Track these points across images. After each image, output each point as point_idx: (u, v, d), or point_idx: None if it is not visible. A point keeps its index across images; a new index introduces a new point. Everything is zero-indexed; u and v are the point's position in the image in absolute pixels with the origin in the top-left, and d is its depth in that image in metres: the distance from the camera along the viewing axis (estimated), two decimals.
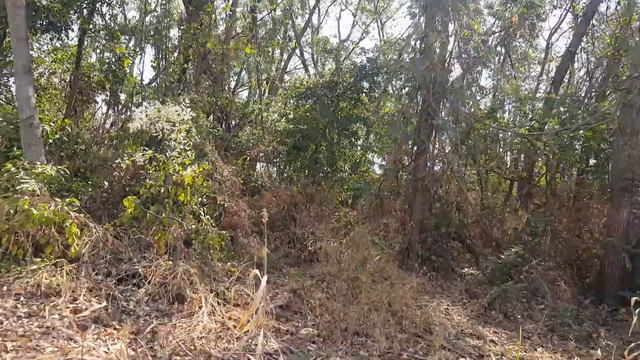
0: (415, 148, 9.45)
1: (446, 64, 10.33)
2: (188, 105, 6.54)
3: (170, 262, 6.40)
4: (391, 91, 12.21)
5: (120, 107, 11.01)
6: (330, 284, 7.18)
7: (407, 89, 9.44)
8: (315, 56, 18.22)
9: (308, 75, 15.38)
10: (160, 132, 6.70)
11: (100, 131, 9.60)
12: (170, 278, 5.91)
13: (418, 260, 8.39)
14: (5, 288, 5.18)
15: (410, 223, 8.64)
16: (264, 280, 4.81)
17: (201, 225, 7.24)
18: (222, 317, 5.63)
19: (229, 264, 7.58)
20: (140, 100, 9.83)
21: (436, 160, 9.40)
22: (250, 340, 4.91)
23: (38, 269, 5.52)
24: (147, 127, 6.19)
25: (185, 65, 9.74)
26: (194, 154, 6.74)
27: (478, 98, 13.72)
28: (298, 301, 6.38)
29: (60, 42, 11.45)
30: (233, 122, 11.76)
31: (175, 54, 10.16)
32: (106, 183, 7.95)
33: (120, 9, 12.29)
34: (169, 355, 4.48)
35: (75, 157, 8.25)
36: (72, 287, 5.43)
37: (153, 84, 13.18)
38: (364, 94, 12.08)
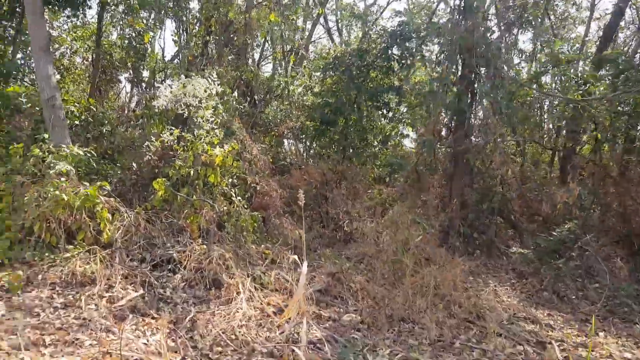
0: (454, 118, 8.87)
1: (486, 25, 9.58)
2: (216, 78, 6.14)
3: (204, 246, 6.18)
4: (425, 56, 11.45)
5: (143, 85, 10.71)
6: (368, 266, 6.87)
7: (445, 53, 8.76)
8: (340, 24, 17.43)
9: (334, 44, 14.69)
10: (185, 110, 6.37)
11: (125, 111, 9.35)
12: (206, 263, 5.69)
13: (460, 238, 7.96)
14: (40, 277, 5.05)
15: (451, 199, 8.17)
16: (304, 266, 4.51)
17: (233, 207, 6.97)
18: (261, 303, 5.39)
19: (262, 246, 7.33)
20: (163, 77, 9.49)
21: (477, 131, 8.80)
22: (292, 329, 4.64)
23: (71, 256, 5.36)
24: (172, 104, 5.84)
25: (208, 38, 9.31)
26: (222, 132, 6.39)
27: (517, 61, 12.87)
28: (337, 285, 6.09)
29: (80, 19, 11.14)
30: (258, 97, 11.32)
31: (197, 27, 9.72)
32: (134, 165, 7.74)
33: None
34: (209, 345, 4.26)
35: (101, 138, 8.07)
36: (107, 274, 5.26)
37: (175, 60, 12.86)
38: (395, 62, 11.38)
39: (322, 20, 16.64)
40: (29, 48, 11.66)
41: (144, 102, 9.94)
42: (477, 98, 9.37)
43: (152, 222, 6.42)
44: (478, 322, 5.34)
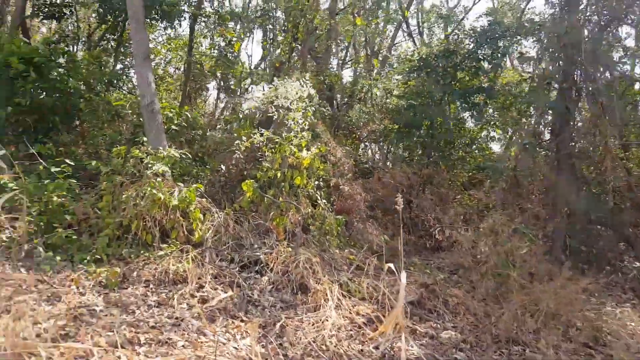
0: (557, 119, 8.01)
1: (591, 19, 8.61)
2: (308, 80, 6.03)
3: (290, 249, 6.05)
4: (517, 55, 10.60)
5: (230, 91, 11.04)
6: (464, 278, 6.32)
7: (547, 50, 7.97)
8: (421, 27, 16.89)
9: (417, 46, 14.18)
10: (275, 112, 6.32)
11: (215, 116, 9.64)
12: (293, 266, 5.53)
13: (566, 251, 7.11)
14: (135, 274, 5.18)
15: (554, 208, 7.35)
16: (403, 276, 4.17)
17: (318, 209, 6.80)
18: (350, 313, 5.11)
19: (346, 251, 7.08)
20: (249, 84, 9.68)
21: (583, 134, 7.87)
22: (387, 344, 4.30)
23: (165, 254, 5.48)
24: (263, 106, 5.80)
25: (293, 45, 9.35)
26: (310, 134, 6.26)
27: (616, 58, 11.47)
28: (432, 297, 5.64)
29: (174, 31, 11.79)
30: (340, 101, 11.15)
31: (284, 34, 9.80)
32: (222, 167, 7.88)
33: None
34: (300, 355, 4.05)
35: (193, 142, 8.33)
36: (198, 273, 5.29)
37: (259, 67, 13.17)
38: (485, 61, 10.68)
39: (403, 24, 16.26)
40: (127, 59, 12.57)
41: (231, 107, 10.22)
42: (584, 97, 8.41)
43: (240, 223, 6.42)
44: (600, 349, 4.63)
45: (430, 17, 15.75)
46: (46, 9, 10.87)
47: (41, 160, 6.63)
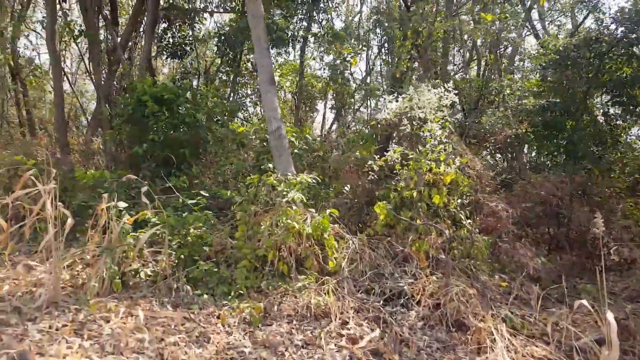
0: None
1: None
2: (451, 86, 5.40)
3: (435, 278, 5.37)
4: None
5: (343, 109, 10.79)
6: None
7: None
8: (546, 21, 15.14)
9: (552, 38, 12.57)
10: (407, 125, 5.76)
11: (333, 136, 9.40)
12: (446, 299, 4.84)
13: None
14: (275, 308, 4.90)
15: None
16: (609, 316, 3.26)
17: (462, 230, 6.02)
18: (523, 355, 4.25)
19: (496, 277, 6.16)
20: (364, 99, 9.27)
21: None
22: None
23: (303, 286, 5.16)
24: (395, 119, 5.27)
25: (413, 52, 8.77)
26: (450, 147, 5.56)
27: None
28: (626, 335, 4.51)
29: (286, 56, 12.00)
30: (467, 107, 10.20)
31: (403, 42, 9.25)
32: (346, 188, 7.50)
33: (335, 12, 12.29)
34: None
35: (314, 165, 8.12)
36: (339, 307, 4.87)
37: (367, 81, 12.79)
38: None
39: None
40: (242, 89, 13.07)
41: (347, 125, 9.96)
42: None
43: (374, 249, 5.92)
44: None
45: (567, 4, 13.90)
46: (170, 49, 11.76)
47: (178, 194, 6.85)
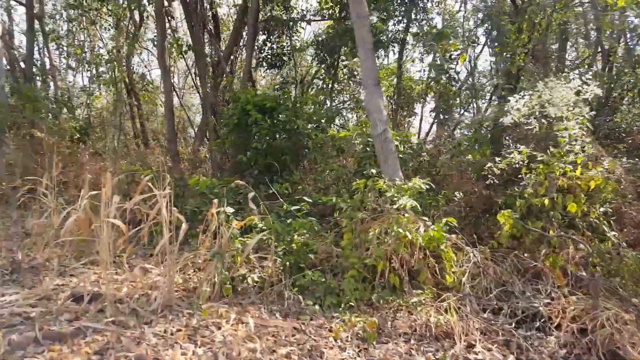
0: None
1: None
2: (591, 79, 4.62)
3: (575, 299, 4.57)
4: None
5: (447, 111, 10.09)
6: None
7: None
8: None
9: None
10: (536, 125, 5.03)
11: (440, 139, 8.78)
12: (596, 325, 4.05)
13: None
14: (389, 324, 4.48)
15: None
16: None
17: (607, 244, 5.10)
18: None
19: None
20: (471, 99, 8.55)
21: None
22: None
23: (419, 302, 4.67)
24: (523, 118, 4.60)
25: (529, 46, 7.86)
26: (590, 148, 4.74)
27: None
28: None
29: (382, 60, 11.64)
30: (597, 102, 8.92)
31: (519, 36, 8.38)
32: (457, 195, 6.85)
33: (436, 10, 11.68)
34: None
35: (420, 169, 7.60)
36: (463, 327, 4.31)
37: (469, 80, 11.92)
38: None
39: None
40: (339, 96, 12.93)
41: (452, 128, 9.30)
42: None
43: (499, 264, 5.24)
44: None
45: None
46: (269, 60, 12.03)
47: (282, 200, 6.76)
